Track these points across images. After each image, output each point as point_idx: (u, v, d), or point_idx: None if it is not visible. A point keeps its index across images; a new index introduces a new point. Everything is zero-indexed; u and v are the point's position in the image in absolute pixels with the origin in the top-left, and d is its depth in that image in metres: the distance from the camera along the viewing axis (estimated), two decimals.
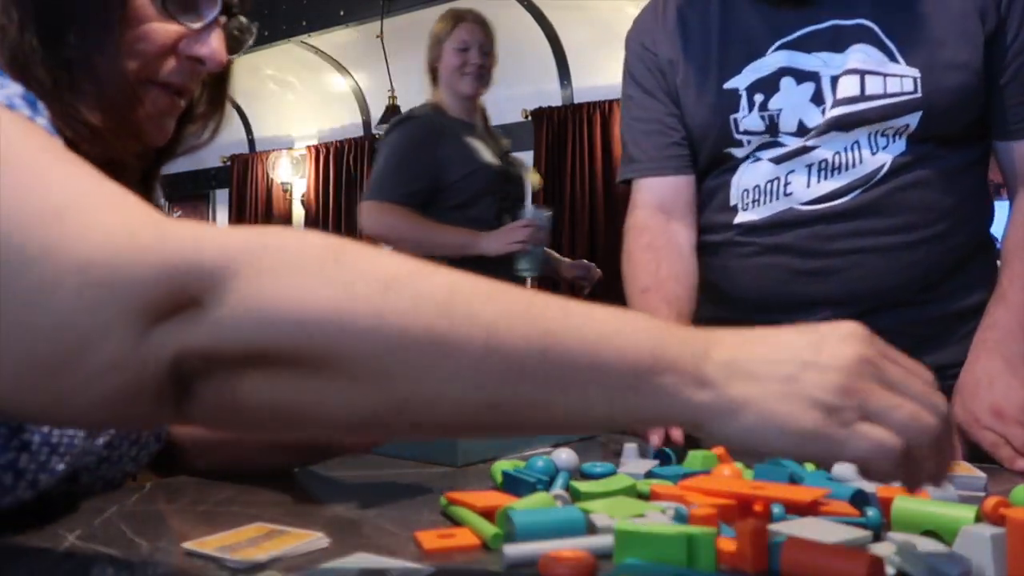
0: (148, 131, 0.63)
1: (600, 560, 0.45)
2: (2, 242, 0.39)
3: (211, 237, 0.40)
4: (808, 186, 1.01)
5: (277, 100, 5.96)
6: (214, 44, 0.62)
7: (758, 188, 1.05)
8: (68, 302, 0.38)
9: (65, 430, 0.56)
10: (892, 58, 0.97)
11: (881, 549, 0.48)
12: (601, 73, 4.53)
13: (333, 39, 5.10)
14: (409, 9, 4.52)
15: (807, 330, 0.43)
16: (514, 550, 0.48)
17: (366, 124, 5.64)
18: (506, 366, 0.39)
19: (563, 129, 4.61)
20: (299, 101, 5.90)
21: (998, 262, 1.03)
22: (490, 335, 0.39)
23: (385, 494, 0.65)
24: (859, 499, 0.58)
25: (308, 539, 0.50)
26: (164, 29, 0.60)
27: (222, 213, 6.46)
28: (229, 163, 6.26)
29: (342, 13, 4.78)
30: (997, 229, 1.06)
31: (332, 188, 5.64)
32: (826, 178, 1.00)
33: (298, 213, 5.97)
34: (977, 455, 0.85)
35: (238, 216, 6.16)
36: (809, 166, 1.01)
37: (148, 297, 0.38)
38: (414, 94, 4.99)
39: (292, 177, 5.92)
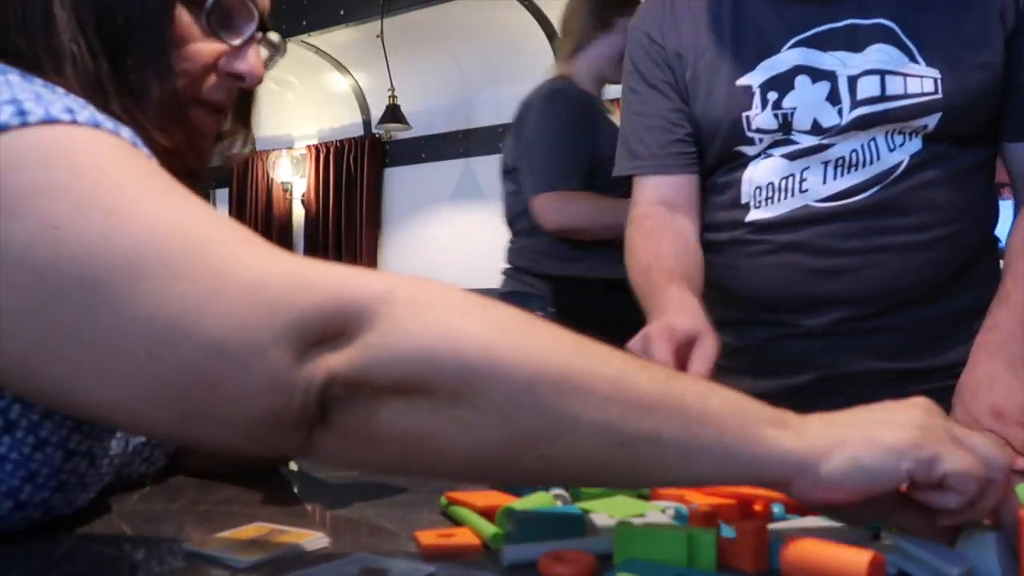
0: (199, 150, 0.64)
1: (600, 560, 0.45)
2: (161, 259, 0.40)
3: (366, 273, 0.43)
4: (824, 183, 0.99)
5: (277, 99, 5.97)
6: (252, 60, 0.63)
7: (772, 185, 1.03)
8: (230, 321, 0.39)
9: (99, 467, 0.56)
10: (912, 58, 0.96)
11: (880, 548, 0.48)
12: None
13: (333, 38, 5.10)
14: (409, 9, 4.52)
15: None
16: (514, 550, 0.48)
17: (366, 123, 5.64)
18: (634, 402, 0.42)
19: None
20: (299, 100, 5.90)
21: (1001, 262, 1.02)
22: (621, 374, 0.43)
23: (385, 494, 0.65)
24: None
25: (308, 539, 0.50)
26: (207, 47, 0.61)
27: (222, 212, 6.45)
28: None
29: (342, 13, 4.79)
30: (1000, 230, 1.06)
31: (332, 188, 5.64)
32: (843, 175, 0.99)
33: (298, 212, 5.98)
34: None
35: (238, 215, 6.16)
36: (825, 163, 0.99)
37: (308, 323, 0.40)
38: (414, 93, 5.02)
39: (292, 176, 5.92)
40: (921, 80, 0.96)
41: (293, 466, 0.76)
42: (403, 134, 5.29)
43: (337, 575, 0.44)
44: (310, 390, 0.40)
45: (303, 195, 5.89)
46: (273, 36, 0.68)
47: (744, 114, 1.02)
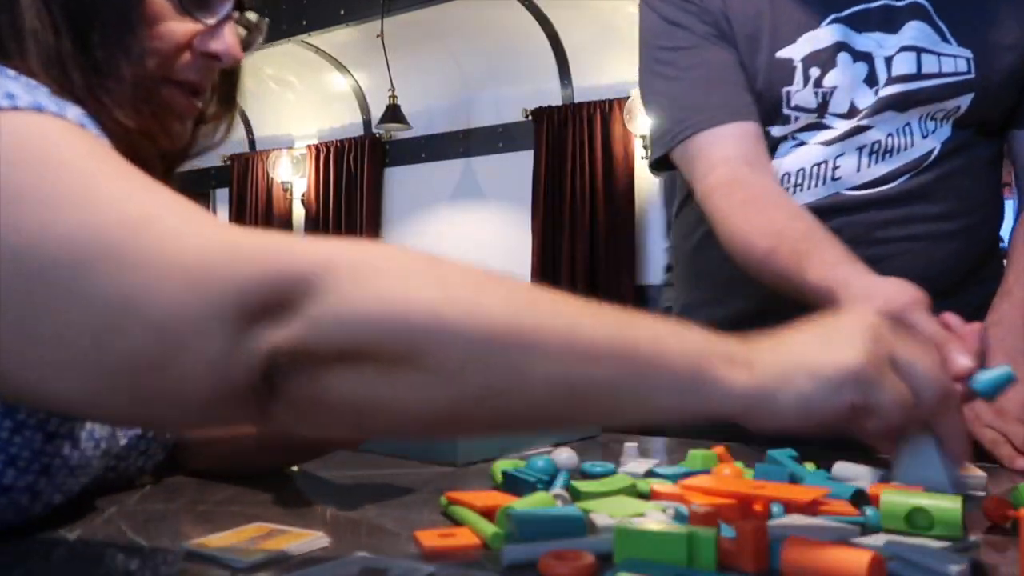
0: (170, 131, 0.63)
1: (600, 559, 0.45)
2: (99, 246, 0.40)
3: (306, 242, 0.42)
4: (858, 170, 0.97)
5: (277, 99, 5.96)
6: (228, 40, 0.62)
7: (803, 172, 0.98)
8: (169, 303, 0.39)
9: (85, 451, 0.56)
10: (944, 38, 0.95)
11: (870, 542, 0.49)
12: (602, 72, 4.53)
13: (333, 38, 5.10)
14: (409, 9, 4.52)
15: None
16: (514, 550, 0.48)
17: (366, 123, 5.64)
18: (585, 352, 0.42)
19: (563, 128, 4.61)
20: (299, 100, 5.90)
21: (1005, 261, 1.02)
22: (572, 325, 0.43)
23: (385, 493, 0.65)
24: (859, 498, 0.58)
25: (308, 538, 0.50)
26: (180, 27, 0.60)
27: (223, 212, 6.46)
28: (229, 162, 6.26)
29: (342, 12, 4.79)
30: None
31: (332, 187, 5.64)
32: (877, 162, 0.96)
33: (298, 212, 5.97)
34: (978, 454, 0.85)
35: (238, 215, 6.16)
36: (860, 148, 0.97)
37: (247, 298, 0.40)
38: (414, 93, 5.02)
39: (292, 176, 5.92)
40: (955, 60, 0.95)
41: (294, 467, 0.76)
42: (403, 134, 5.29)
43: (337, 575, 0.44)
44: (254, 364, 0.40)
45: (303, 195, 5.89)
46: (251, 15, 0.67)
47: (784, 89, 0.97)
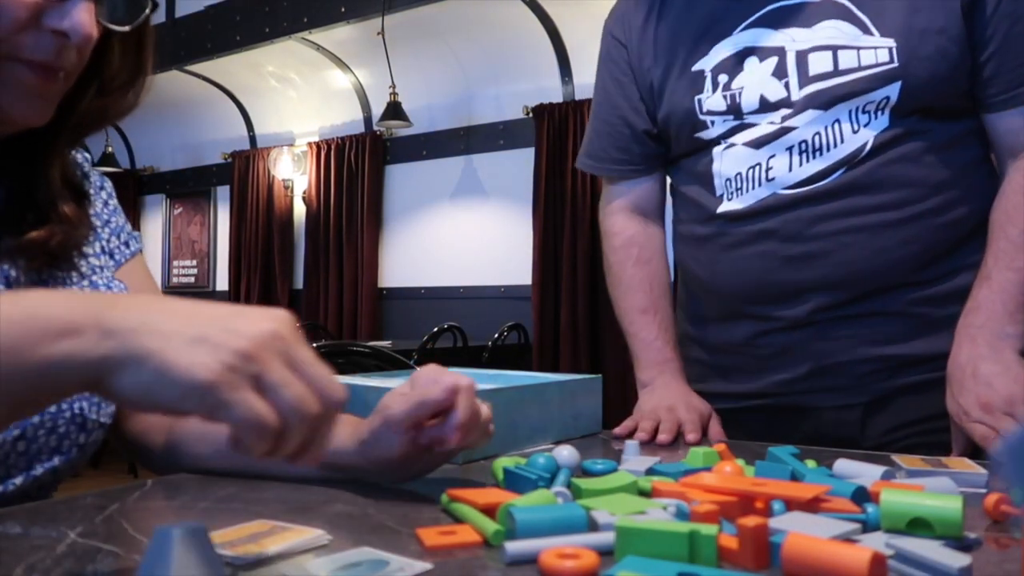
0: (18, 111, 0.61)
1: (601, 557, 0.45)
2: None
3: None
4: (790, 169, 0.99)
5: (278, 96, 5.96)
6: (76, 17, 0.59)
7: (740, 175, 1.03)
8: None
9: None
10: (866, 31, 0.95)
11: (871, 541, 0.49)
12: None
13: (334, 35, 5.10)
14: (410, 6, 4.52)
15: (233, 307, 0.47)
16: (515, 547, 0.48)
17: (367, 120, 5.64)
18: None
19: (564, 125, 4.61)
20: (300, 98, 5.90)
21: None
22: None
23: (386, 491, 0.66)
24: (860, 496, 0.58)
25: (309, 535, 0.51)
26: (19, 1, 0.57)
27: (223, 210, 6.46)
28: (230, 160, 6.25)
29: (343, 10, 4.78)
30: None
31: (333, 185, 5.64)
32: (808, 160, 0.98)
33: (299, 210, 5.97)
34: (978, 450, 0.84)
35: (239, 213, 6.16)
36: (790, 148, 0.98)
37: None
38: (415, 90, 5.02)
39: (293, 174, 5.92)
40: (875, 51, 0.95)
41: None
42: (404, 131, 5.29)
43: (338, 572, 0.44)
44: None
45: (304, 192, 5.89)
46: None
47: (697, 98, 1.05)
